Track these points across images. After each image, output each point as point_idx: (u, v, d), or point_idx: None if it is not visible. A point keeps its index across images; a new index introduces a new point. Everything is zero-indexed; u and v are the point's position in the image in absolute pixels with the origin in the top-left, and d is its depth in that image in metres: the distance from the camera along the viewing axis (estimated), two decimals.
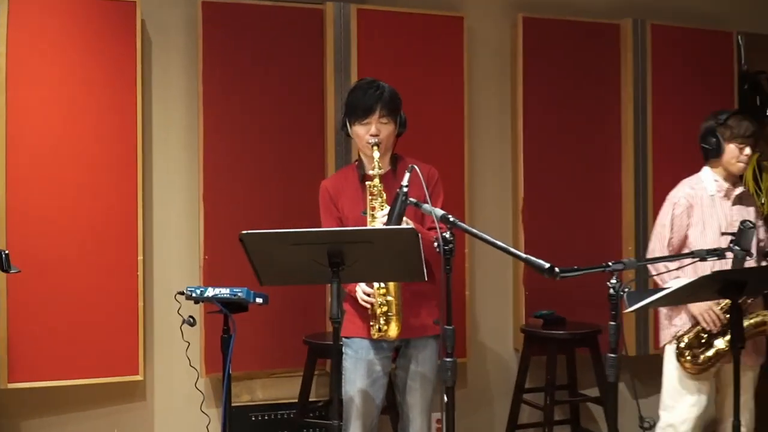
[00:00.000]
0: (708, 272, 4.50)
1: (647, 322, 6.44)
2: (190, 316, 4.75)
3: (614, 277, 3.80)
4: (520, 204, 6.30)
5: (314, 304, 5.84)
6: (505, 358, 6.52)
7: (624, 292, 3.79)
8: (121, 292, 5.52)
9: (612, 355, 3.82)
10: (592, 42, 6.53)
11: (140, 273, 5.55)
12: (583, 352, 6.05)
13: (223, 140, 5.71)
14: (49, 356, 5.36)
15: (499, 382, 6.47)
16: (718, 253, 4.30)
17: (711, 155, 5.08)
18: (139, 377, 5.56)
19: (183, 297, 4.72)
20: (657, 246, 5.13)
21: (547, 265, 3.38)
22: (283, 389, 5.87)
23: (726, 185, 5.08)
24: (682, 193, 5.11)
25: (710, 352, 4.90)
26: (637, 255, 6.37)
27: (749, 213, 5.08)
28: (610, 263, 3.81)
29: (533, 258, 3.43)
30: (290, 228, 3.81)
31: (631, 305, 3.93)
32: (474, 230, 3.69)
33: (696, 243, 4.98)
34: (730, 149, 5.01)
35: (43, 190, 5.39)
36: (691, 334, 4.96)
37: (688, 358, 4.95)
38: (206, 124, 5.66)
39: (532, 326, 6.10)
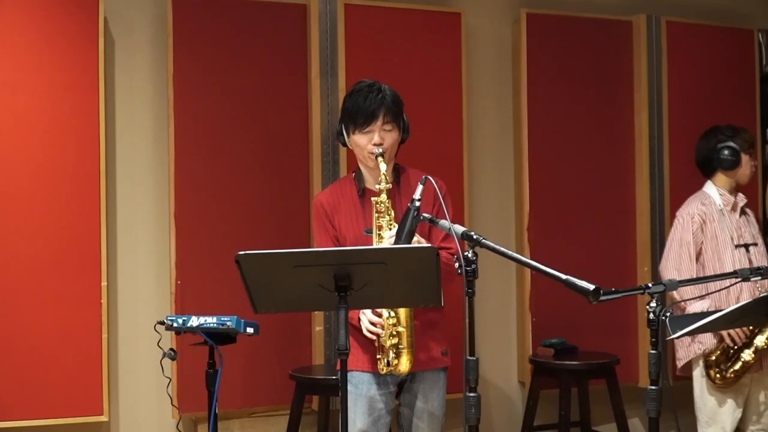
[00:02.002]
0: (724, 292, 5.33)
1: (665, 350, 6.38)
2: (171, 349, 4.63)
3: (654, 300, 3.75)
4: (525, 219, 6.25)
5: (299, 333, 5.75)
6: (509, 392, 6.45)
7: (666, 317, 3.73)
8: (83, 323, 5.39)
9: (653, 387, 3.76)
10: (602, 40, 6.52)
11: (104, 301, 5.42)
12: (595, 384, 6.03)
13: (196, 151, 5.60)
14: (2, 395, 5.22)
15: (503, 419, 6.42)
16: (762, 272, 4.26)
17: (726, 167, 5.67)
18: (103, 418, 5.42)
19: (163, 327, 4.59)
20: (684, 265, 5.56)
21: (593, 288, 3.29)
22: (266, 429, 5.75)
23: (732, 198, 5.68)
24: (695, 209, 5.64)
25: (737, 366, 5.41)
26: (653, 276, 6.35)
27: (752, 222, 5.78)
28: (649, 284, 3.78)
29: (574, 279, 3.33)
30: (275, 248, 3.70)
31: (674, 332, 3.86)
32: (502, 248, 3.61)
33: (710, 258, 5.57)
34: (746, 160, 5.69)
35: None
36: (718, 351, 5.45)
37: (717, 375, 5.45)
38: (177, 133, 5.56)
39: (543, 356, 6.04)
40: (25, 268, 5.30)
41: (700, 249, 5.61)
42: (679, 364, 5.69)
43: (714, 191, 5.68)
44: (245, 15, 5.72)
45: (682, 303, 5.43)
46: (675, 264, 5.59)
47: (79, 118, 5.41)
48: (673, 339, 4.03)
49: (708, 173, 5.78)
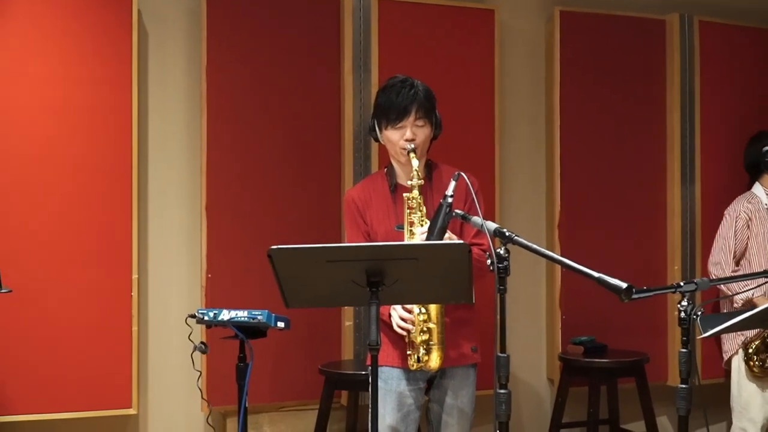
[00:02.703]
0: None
1: (695, 348, 6.36)
2: (202, 342, 4.65)
3: (685, 299, 3.73)
4: (556, 217, 6.23)
5: (329, 328, 5.75)
6: (538, 389, 6.44)
7: (697, 315, 3.72)
8: (114, 315, 5.39)
9: (683, 385, 3.75)
10: (635, 39, 6.49)
11: (135, 294, 5.43)
12: (624, 383, 6.03)
13: (228, 144, 5.61)
14: (32, 387, 5.25)
15: (532, 417, 6.41)
16: None
17: None
18: (132, 411, 5.44)
19: (194, 320, 4.61)
20: (723, 258, 5.93)
21: (625, 285, 3.28)
22: (295, 424, 5.75)
23: None
24: (741, 207, 5.98)
25: None
26: (684, 275, 6.33)
27: None
28: (681, 283, 3.77)
29: (607, 277, 3.32)
30: (306, 243, 3.70)
31: (705, 330, 3.84)
32: (535, 246, 3.60)
33: (756, 254, 5.89)
34: None
35: (25, 200, 5.28)
36: (758, 341, 5.72)
37: (757, 363, 5.70)
38: (210, 126, 5.56)
39: (573, 354, 6.02)
40: (57, 260, 5.32)
41: (746, 245, 5.94)
42: (726, 356, 5.94)
43: (761, 191, 6.03)
44: (279, 9, 5.72)
45: (734, 296, 5.72)
46: (715, 258, 5.96)
47: (112, 110, 5.41)
48: (704, 337, 4.02)
49: (755, 175, 6.13)
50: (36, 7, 5.30)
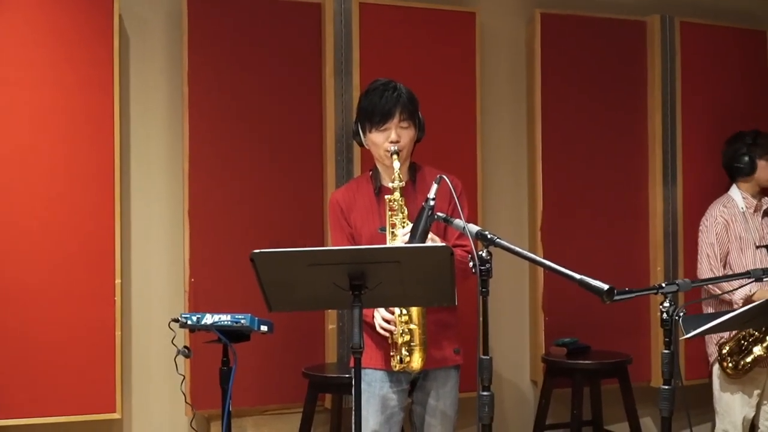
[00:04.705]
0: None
1: (677, 350, 6.37)
2: (185, 347, 4.65)
3: (667, 300, 3.75)
4: (538, 219, 6.24)
5: (312, 331, 5.75)
6: (521, 391, 6.45)
7: (679, 316, 3.73)
8: (97, 320, 5.38)
9: (666, 387, 3.76)
10: (616, 41, 6.50)
11: (118, 298, 5.41)
12: (607, 384, 6.05)
13: (210, 148, 5.60)
14: (16, 391, 5.23)
15: (516, 419, 6.41)
16: None
17: (743, 173, 6.03)
18: (116, 415, 5.42)
19: (177, 325, 4.60)
20: (711, 264, 5.87)
21: (607, 287, 3.30)
22: (278, 428, 5.75)
23: (754, 201, 6.02)
24: (717, 212, 5.96)
25: (749, 358, 5.66)
26: (666, 276, 6.35)
27: None
28: (663, 284, 3.77)
29: (588, 279, 3.34)
30: (289, 246, 3.69)
31: (688, 332, 3.86)
32: (516, 248, 3.62)
33: (736, 258, 5.87)
34: (762, 165, 6.02)
35: (6, 204, 5.26)
36: (732, 342, 5.69)
37: (730, 364, 5.69)
38: (192, 130, 5.55)
39: (556, 356, 6.02)
40: (40, 265, 5.30)
41: (727, 249, 5.90)
42: (711, 359, 5.90)
43: (737, 194, 6.02)
44: (260, 13, 5.72)
45: (725, 295, 5.63)
46: (707, 266, 5.89)
47: (93, 115, 5.40)
48: (687, 338, 4.03)
49: (732, 177, 6.13)
50: (16, 12, 5.29)
